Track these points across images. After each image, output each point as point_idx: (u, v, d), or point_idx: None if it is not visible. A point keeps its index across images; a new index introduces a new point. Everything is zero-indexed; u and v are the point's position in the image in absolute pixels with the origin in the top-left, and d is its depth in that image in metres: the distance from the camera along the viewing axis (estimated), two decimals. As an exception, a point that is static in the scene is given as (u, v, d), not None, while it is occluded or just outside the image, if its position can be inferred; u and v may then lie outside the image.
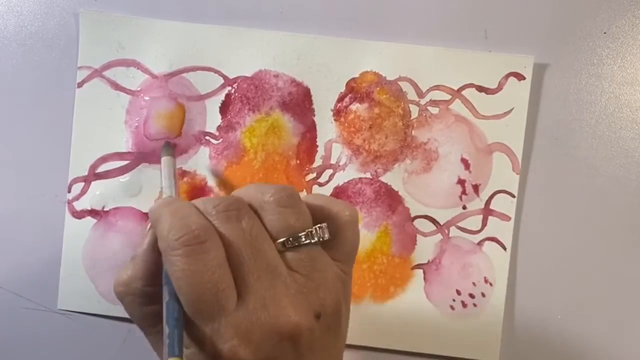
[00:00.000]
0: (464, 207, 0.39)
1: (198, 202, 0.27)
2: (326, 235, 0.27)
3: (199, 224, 0.25)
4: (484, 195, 0.39)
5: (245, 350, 0.25)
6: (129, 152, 0.39)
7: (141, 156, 0.39)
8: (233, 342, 0.25)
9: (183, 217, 0.25)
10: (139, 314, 0.28)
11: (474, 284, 0.39)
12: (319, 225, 0.27)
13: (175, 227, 0.25)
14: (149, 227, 0.28)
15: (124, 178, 0.39)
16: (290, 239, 0.26)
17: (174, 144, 0.39)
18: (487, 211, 0.39)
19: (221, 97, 0.39)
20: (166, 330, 0.25)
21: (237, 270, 0.25)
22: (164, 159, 0.36)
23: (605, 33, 0.39)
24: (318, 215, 0.28)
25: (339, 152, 0.39)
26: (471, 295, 0.39)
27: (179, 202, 0.27)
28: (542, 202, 0.39)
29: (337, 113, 0.39)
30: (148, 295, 0.28)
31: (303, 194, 0.39)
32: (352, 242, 0.29)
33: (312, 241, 0.27)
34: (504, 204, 0.39)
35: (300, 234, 0.26)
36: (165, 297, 0.26)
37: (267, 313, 0.25)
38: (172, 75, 0.39)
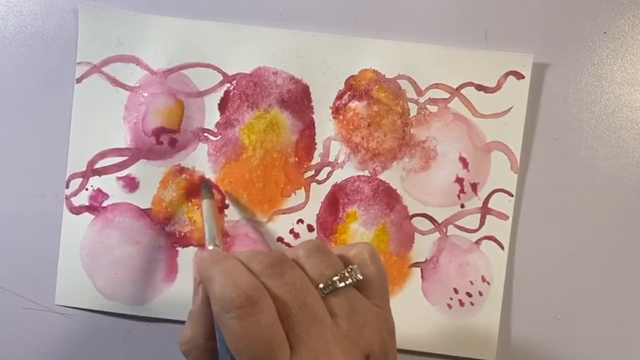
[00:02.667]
0: (462, 206, 0.39)
1: (242, 257, 0.28)
2: (359, 276, 0.28)
3: (250, 285, 0.26)
4: (482, 194, 0.39)
5: None
6: (128, 148, 0.39)
7: (140, 152, 0.39)
8: None
9: (234, 279, 0.26)
10: None
11: (471, 282, 0.39)
12: (349, 267, 0.28)
13: (228, 290, 0.26)
14: (198, 282, 0.29)
15: (122, 173, 0.39)
16: (328, 284, 0.27)
17: (212, 185, 0.39)
18: (485, 210, 0.39)
19: (220, 93, 0.39)
20: None
21: (287, 324, 0.26)
22: (205, 202, 0.36)
23: (605, 33, 0.39)
24: (342, 262, 0.29)
25: (337, 150, 0.39)
26: (468, 294, 0.39)
27: (227, 261, 0.27)
28: (541, 202, 0.39)
29: (336, 111, 0.39)
30: (213, 348, 0.28)
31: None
32: (379, 276, 0.30)
33: (347, 283, 0.28)
34: (502, 203, 0.39)
35: (334, 278, 0.27)
36: (221, 354, 0.27)
37: None
38: (171, 71, 0.39)
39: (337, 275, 0.28)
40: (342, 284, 0.27)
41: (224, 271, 0.26)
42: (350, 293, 0.28)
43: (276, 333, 0.25)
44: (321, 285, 0.27)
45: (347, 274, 0.28)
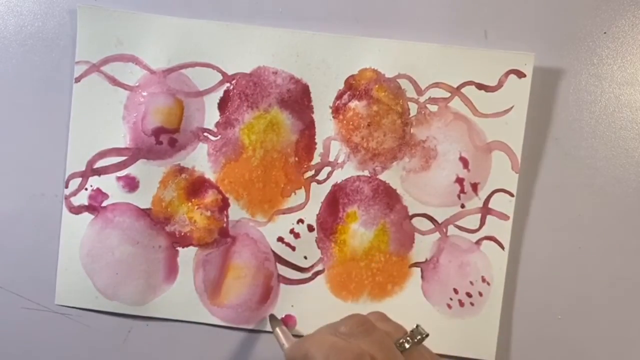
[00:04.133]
0: (463, 206, 0.39)
1: (329, 330, 0.30)
2: (424, 333, 0.31)
3: (353, 349, 0.28)
4: (483, 194, 0.39)
5: None
6: (127, 148, 0.39)
7: (139, 152, 0.39)
8: None
9: (334, 347, 0.28)
10: None
11: (471, 282, 0.39)
12: (416, 325, 0.31)
13: (333, 357, 0.28)
14: None
15: (122, 173, 0.39)
16: (400, 342, 0.30)
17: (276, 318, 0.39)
18: (485, 210, 0.39)
19: (220, 93, 0.39)
20: None
21: None
22: (277, 330, 0.36)
23: (605, 33, 0.39)
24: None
25: (337, 150, 0.39)
26: (468, 294, 0.39)
27: (316, 335, 0.30)
28: (542, 202, 0.39)
29: (336, 110, 0.39)
30: None
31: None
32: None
33: (417, 339, 0.30)
34: (502, 203, 0.39)
35: (404, 338, 0.30)
36: None
37: None
38: (170, 71, 0.39)
39: (407, 334, 0.30)
40: (411, 342, 0.30)
41: (319, 343, 0.29)
42: (420, 349, 0.31)
43: None
44: (396, 344, 0.30)
45: (415, 332, 0.30)
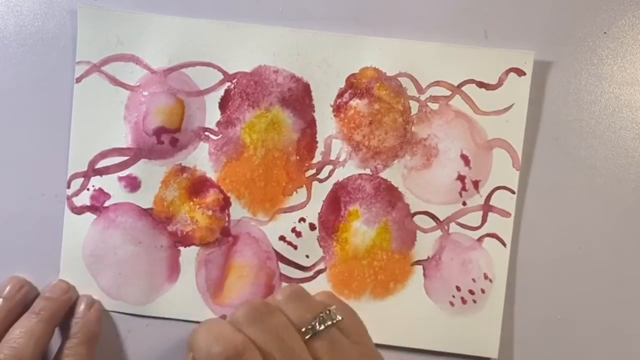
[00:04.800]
0: (464, 204, 0.39)
1: (229, 316, 0.29)
2: (338, 317, 0.29)
3: (232, 339, 0.26)
4: (484, 191, 0.39)
5: None
6: (129, 148, 0.39)
7: (141, 152, 0.39)
8: None
9: (218, 334, 0.27)
10: None
11: (473, 280, 0.39)
12: (327, 309, 0.29)
13: (213, 346, 0.26)
14: (191, 357, 0.29)
15: (123, 173, 0.39)
16: (309, 328, 0.28)
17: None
18: (487, 207, 0.39)
19: (220, 92, 0.39)
20: None
21: None
22: None
23: (605, 33, 0.39)
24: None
25: (338, 148, 0.39)
26: (471, 292, 0.39)
27: (211, 320, 0.28)
28: (543, 199, 0.39)
29: (337, 109, 0.39)
30: None
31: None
32: (353, 316, 0.31)
33: (327, 325, 0.28)
34: (504, 200, 0.39)
35: (314, 322, 0.28)
36: None
37: None
38: (171, 70, 0.39)
39: (317, 318, 0.28)
40: (322, 327, 0.28)
41: (208, 329, 0.27)
42: (331, 335, 0.28)
43: None
44: (303, 330, 0.28)
45: (326, 316, 0.28)
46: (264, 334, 0.27)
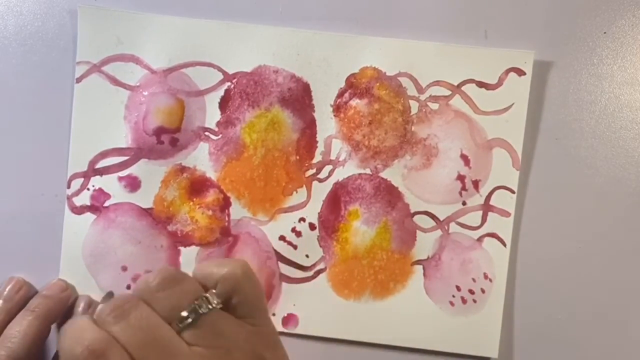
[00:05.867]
0: (464, 203, 0.39)
1: (97, 311, 0.27)
2: (214, 302, 0.27)
3: (93, 338, 0.25)
4: (484, 191, 0.39)
5: None
6: (129, 148, 0.39)
7: (141, 152, 0.39)
8: None
9: (78, 334, 0.26)
10: None
11: (473, 280, 0.39)
12: (204, 295, 0.27)
13: (72, 346, 0.25)
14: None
15: (123, 173, 0.39)
16: (183, 317, 0.27)
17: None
18: (487, 207, 0.39)
19: (220, 92, 0.39)
20: None
21: None
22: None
23: (605, 33, 0.39)
24: (210, 282, 0.29)
25: (338, 148, 0.39)
26: (471, 291, 0.39)
27: (75, 320, 0.27)
28: (543, 199, 0.39)
29: (337, 109, 0.39)
30: None
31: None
32: (253, 295, 0.29)
33: (201, 312, 0.27)
34: (503, 200, 0.39)
35: (182, 314, 0.27)
36: None
37: None
38: (171, 70, 0.39)
39: (191, 306, 0.27)
40: (194, 316, 0.27)
41: (69, 329, 0.26)
42: (211, 319, 0.27)
43: None
44: (176, 320, 0.27)
45: (200, 303, 0.27)
46: (126, 329, 0.26)
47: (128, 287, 0.39)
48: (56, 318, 0.37)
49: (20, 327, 0.35)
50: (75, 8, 0.39)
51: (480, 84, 0.39)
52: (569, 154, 0.39)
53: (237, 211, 0.39)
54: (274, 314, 0.39)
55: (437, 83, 0.39)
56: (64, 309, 0.38)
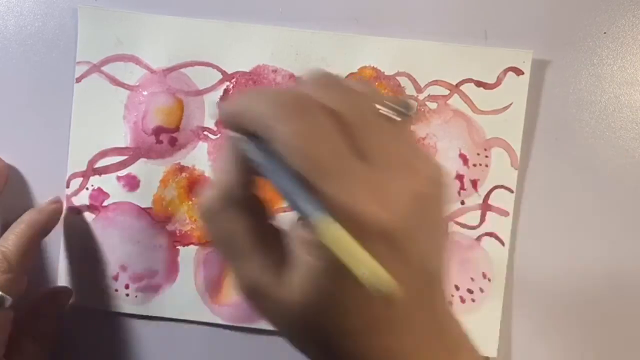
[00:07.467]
0: (462, 203, 0.39)
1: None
2: (413, 106, 0.25)
3: (297, 91, 0.23)
4: (483, 190, 0.39)
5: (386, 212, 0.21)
6: (128, 148, 0.39)
7: (140, 151, 0.39)
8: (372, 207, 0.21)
9: (278, 92, 0.23)
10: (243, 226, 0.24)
11: (472, 279, 0.39)
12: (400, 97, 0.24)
13: (275, 99, 0.22)
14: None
15: (122, 172, 0.39)
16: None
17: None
18: (485, 206, 0.39)
19: (219, 92, 0.39)
20: (292, 195, 0.23)
21: (350, 132, 0.22)
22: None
23: (605, 33, 0.39)
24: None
25: (337, 148, 0.39)
26: (469, 291, 0.39)
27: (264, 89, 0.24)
28: (541, 198, 0.39)
29: (336, 108, 0.39)
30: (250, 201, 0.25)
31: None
32: None
33: (400, 110, 0.24)
34: (502, 199, 0.39)
35: (380, 107, 0.24)
36: (276, 172, 0.23)
37: (400, 173, 0.22)
38: (170, 70, 0.39)
39: (388, 104, 0.24)
40: (393, 112, 0.23)
41: (264, 90, 0.23)
42: (400, 129, 0.24)
43: (338, 139, 0.22)
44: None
45: (398, 102, 0.24)
46: (338, 97, 0.23)
47: (127, 287, 0.39)
48: (47, 228, 0.38)
49: (13, 234, 0.36)
50: (75, 8, 0.39)
51: (479, 84, 0.39)
52: (568, 153, 0.39)
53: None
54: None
55: (435, 82, 0.39)
56: (56, 220, 0.38)
